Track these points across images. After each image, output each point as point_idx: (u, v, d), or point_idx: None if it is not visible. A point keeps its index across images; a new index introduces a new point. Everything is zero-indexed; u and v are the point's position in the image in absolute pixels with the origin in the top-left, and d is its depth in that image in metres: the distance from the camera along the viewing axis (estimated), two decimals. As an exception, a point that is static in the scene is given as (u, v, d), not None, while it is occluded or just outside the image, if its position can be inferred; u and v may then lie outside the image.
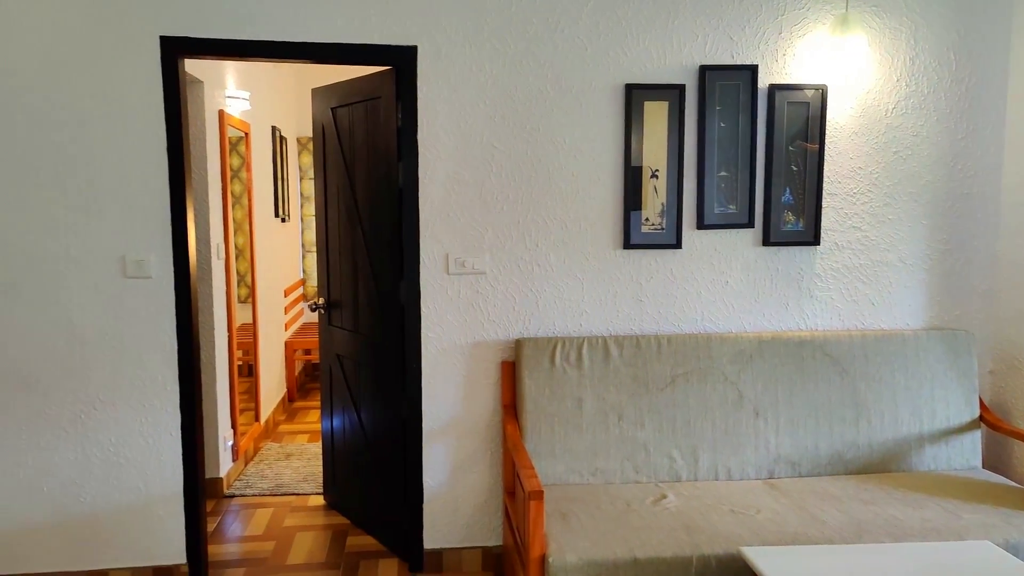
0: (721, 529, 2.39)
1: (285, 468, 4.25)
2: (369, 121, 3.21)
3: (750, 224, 3.02)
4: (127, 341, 2.82)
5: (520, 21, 2.88)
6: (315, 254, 6.72)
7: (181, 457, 2.89)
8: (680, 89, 2.92)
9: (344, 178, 3.42)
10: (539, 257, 2.99)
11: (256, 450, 4.57)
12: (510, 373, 2.97)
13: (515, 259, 2.99)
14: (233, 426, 4.09)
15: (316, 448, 4.61)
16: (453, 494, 3.05)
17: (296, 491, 3.92)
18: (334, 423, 3.70)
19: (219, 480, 3.86)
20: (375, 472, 3.34)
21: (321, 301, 3.66)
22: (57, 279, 2.75)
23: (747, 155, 2.96)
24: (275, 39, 2.78)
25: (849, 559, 2.01)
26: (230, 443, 4.02)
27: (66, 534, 2.84)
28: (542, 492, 2.25)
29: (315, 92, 3.60)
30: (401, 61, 2.88)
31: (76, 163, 2.73)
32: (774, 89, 2.96)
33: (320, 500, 3.83)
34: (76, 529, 2.84)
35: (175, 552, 2.91)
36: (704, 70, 2.91)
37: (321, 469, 4.20)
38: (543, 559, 2.26)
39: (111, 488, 2.85)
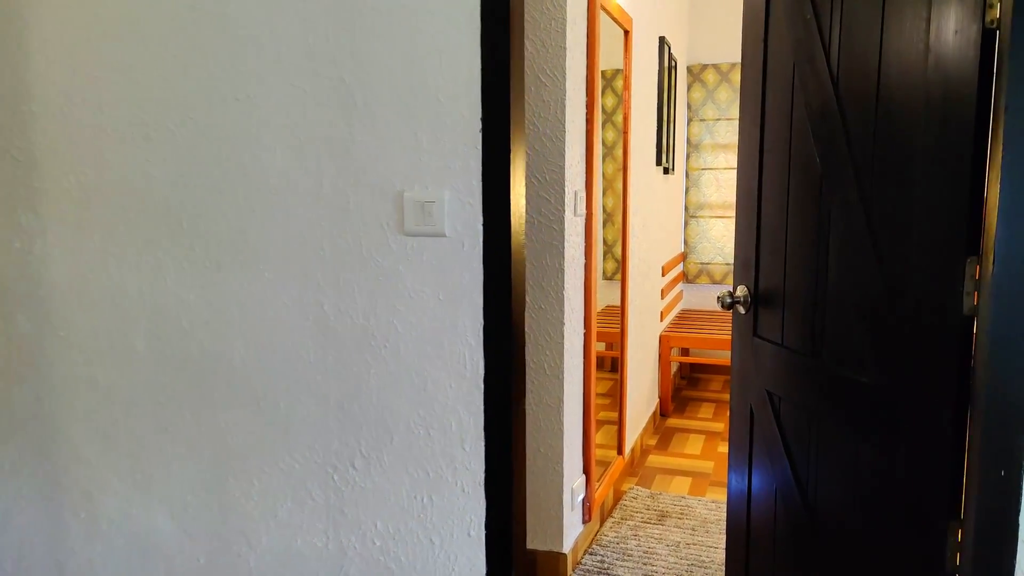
0: None
1: (658, 541, 2.76)
2: None
3: None
4: (401, 349, 1.55)
5: None
6: (703, 220, 5.10)
7: None
8: None
9: (819, 66, 1.69)
10: None
11: (617, 498, 3.17)
12: None
13: None
14: (586, 469, 2.72)
15: (704, 508, 3.03)
16: None
17: (676, 599, 2.39)
18: (753, 491, 2.07)
19: (559, 558, 2.51)
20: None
21: (741, 293, 2.01)
22: (302, 235, 1.58)
23: None
24: None
25: None
26: (580, 497, 2.65)
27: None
28: None
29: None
30: None
31: (335, 35, 1.51)
32: None
33: (717, 628, 2.25)
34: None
35: None
36: None
37: (720, 556, 2.61)
38: None
39: (374, 602, 1.63)
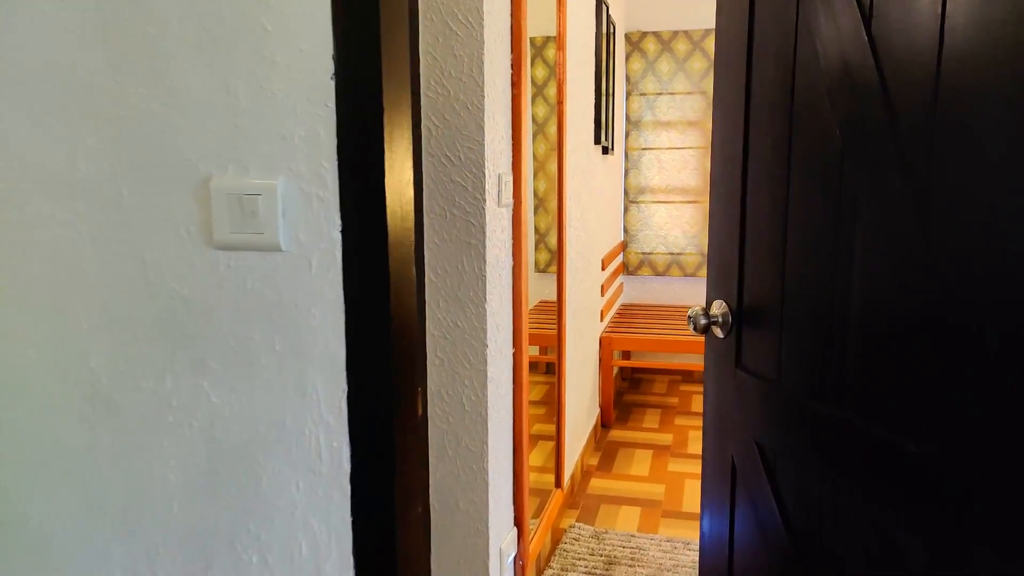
0: None
1: (606, 601, 2.27)
2: None
3: None
4: (218, 429, 0.97)
5: None
6: (644, 206, 4.64)
7: None
8: None
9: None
10: None
11: (556, 539, 2.67)
12: None
13: None
14: (518, 520, 2.20)
15: (658, 550, 2.57)
16: None
17: None
18: (736, 543, 1.60)
19: (487, 640, 1.99)
20: None
21: (719, 311, 1.51)
22: (53, 248, 0.98)
23: None
24: None
25: None
26: (511, 557, 2.14)
27: None
28: None
29: None
30: None
31: None
32: None
33: None
34: None
35: None
36: None
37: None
38: None
39: None
